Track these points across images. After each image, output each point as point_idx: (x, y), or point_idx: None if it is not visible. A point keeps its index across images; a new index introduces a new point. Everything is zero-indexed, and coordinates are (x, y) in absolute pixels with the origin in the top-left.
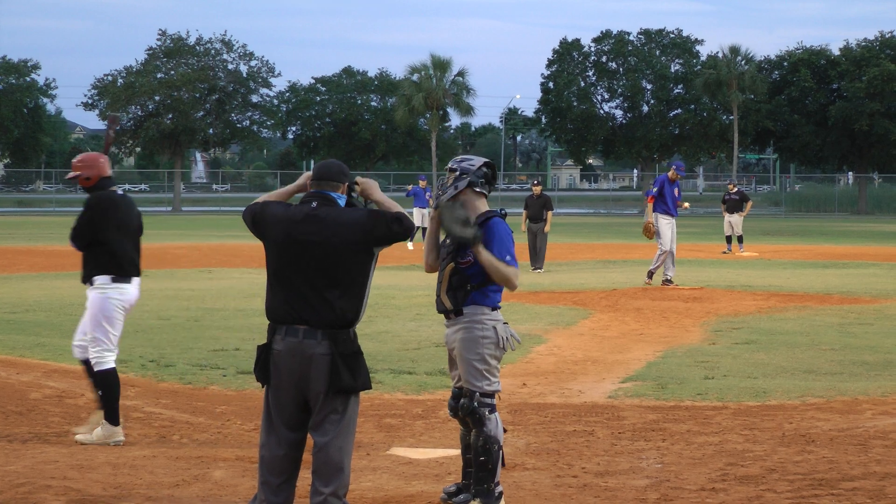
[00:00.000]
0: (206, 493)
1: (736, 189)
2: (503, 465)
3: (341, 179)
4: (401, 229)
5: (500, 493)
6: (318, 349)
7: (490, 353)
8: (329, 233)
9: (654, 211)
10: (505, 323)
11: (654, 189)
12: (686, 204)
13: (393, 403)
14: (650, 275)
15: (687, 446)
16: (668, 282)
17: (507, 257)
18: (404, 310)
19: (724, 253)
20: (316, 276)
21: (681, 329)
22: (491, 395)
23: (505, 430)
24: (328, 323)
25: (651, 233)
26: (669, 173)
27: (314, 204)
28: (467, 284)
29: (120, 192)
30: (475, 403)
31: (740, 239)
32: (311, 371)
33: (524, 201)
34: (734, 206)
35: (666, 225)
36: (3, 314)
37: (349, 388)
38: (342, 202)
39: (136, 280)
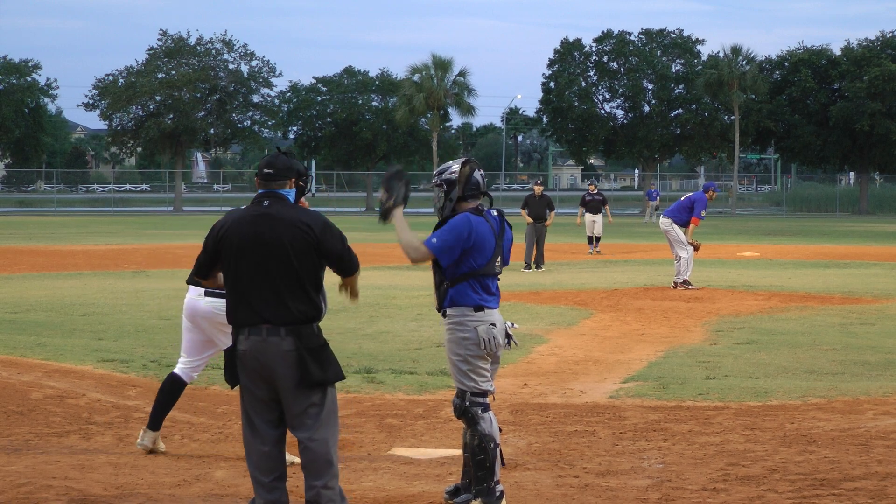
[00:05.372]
0: (207, 493)
1: (597, 190)
2: (503, 464)
3: (289, 175)
4: (347, 265)
5: (502, 493)
6: (282, 346)
7: (472, 354)
8: (281, 231)
9: (675, 223)
10: (492, 324)
11: (704, 213)
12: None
13: (394, 403)
14: (686, 282)
15: (688, 446)
16: (686, 283)
17: (434, 240)
18: (405, 310)
19: (590, 253)
20: (272, 275)
21: (682, 329)
22: (482, 394)
23: (500, 430)
24: (289, 320)
25: (699, 246)
26: (710, 195)
27: (266, 203)
28: (444, 282)
29: None
30: (467, 403)
31: (598, 239)
32: (278, 368)
33: (524, 200)
34: (596, 206)
35: (685, 233)
36: (4, 314)
37: (320, 380)
38: (291, 196)
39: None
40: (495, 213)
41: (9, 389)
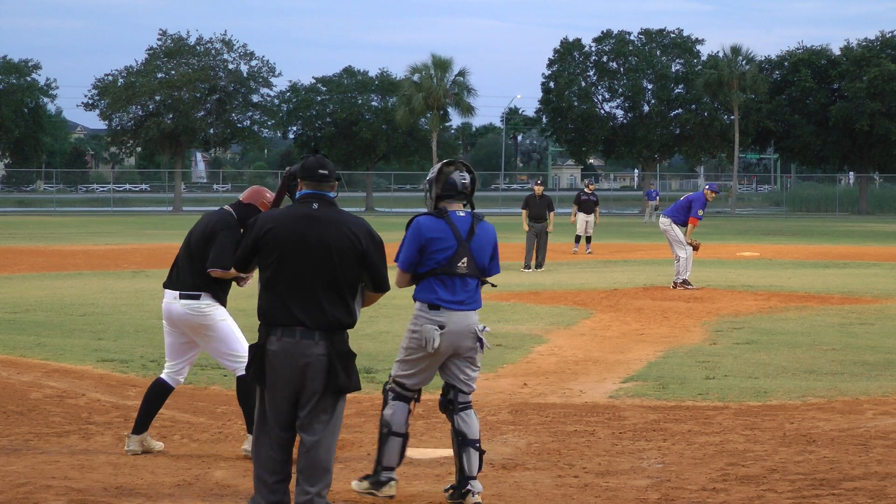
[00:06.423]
0: (207, 493)
1: (593, 190)
2: (478, 468)
3: (336, 177)
4: (381, 281)
5: (388, 480)
6: (315, 349)
7: (411, 347)
8: (328, 234)
9: (674, 223)
10: (440, 326)
11: (701, 213)
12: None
13: None
14: (686, 282)
15: (688, 446)
16: (686, 282)
17: (400, 257)
18: (405, 310)
19: (574, 252)
20: (313, 277)
21: (682, 329)
22: (403, 385)
23: (407, 436)
24: (324, 324)
25: (698, 246)
26: (708, 194)
27: (315, 205)
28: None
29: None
30: (388, 385)
31: (588, 239)
32: (308, 371)
33: (524, 200)
34: (589, 207)
35: (684, 233)
36: (3, 314)
37: (344, 388)
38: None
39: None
40: (462, 215)
41: (9, 389)
